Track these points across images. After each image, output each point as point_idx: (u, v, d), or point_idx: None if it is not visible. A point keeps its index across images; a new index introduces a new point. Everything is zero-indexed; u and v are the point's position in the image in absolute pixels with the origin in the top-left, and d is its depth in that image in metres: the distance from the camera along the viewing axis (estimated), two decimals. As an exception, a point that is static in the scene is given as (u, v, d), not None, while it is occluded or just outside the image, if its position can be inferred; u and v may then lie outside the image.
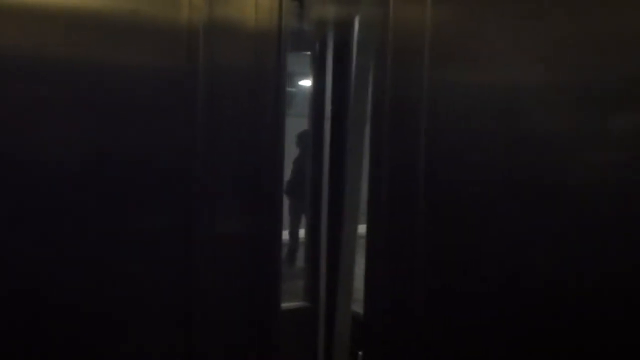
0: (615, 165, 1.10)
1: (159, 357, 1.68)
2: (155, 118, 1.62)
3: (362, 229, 1.85)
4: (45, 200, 1.50)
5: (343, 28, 2.10)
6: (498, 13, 1.33)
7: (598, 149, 1.13)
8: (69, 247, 1.53)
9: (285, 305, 2.06)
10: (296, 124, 2.68)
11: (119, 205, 1.58)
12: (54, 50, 1.50)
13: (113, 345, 1.62)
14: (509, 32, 1.29)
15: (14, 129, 1.46)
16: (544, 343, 1.21)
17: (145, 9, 1.60)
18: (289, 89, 1.88)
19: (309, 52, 2.22)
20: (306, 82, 2.33)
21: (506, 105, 1.29)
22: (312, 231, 2.28)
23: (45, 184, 1.50)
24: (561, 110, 1.18)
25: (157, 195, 1.64)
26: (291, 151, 1.99)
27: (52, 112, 1.49)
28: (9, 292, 1.48)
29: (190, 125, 1.65)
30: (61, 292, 1.54)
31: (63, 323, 1.55)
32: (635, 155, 1.07)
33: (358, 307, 2.01)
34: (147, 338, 1.66)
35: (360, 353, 1.73)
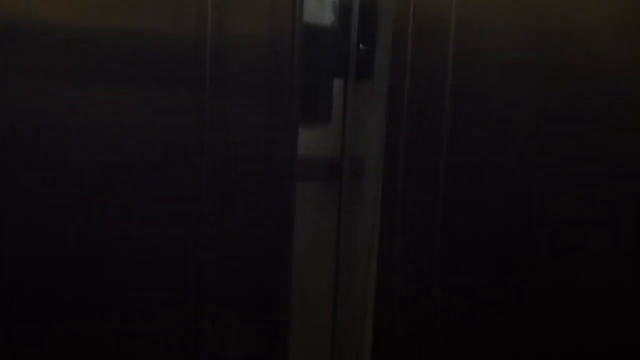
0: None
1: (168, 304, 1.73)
2: (161, 88, 1.60)
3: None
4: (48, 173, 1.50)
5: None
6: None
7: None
8: (80, 223, 1.51)
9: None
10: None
11: (126, 179, 1.58)
12: (55, 16, 1.47)
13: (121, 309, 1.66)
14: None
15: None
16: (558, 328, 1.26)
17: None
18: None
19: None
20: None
21: (537, 75, 1.30)
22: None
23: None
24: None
25: (165, 166, 1.63)
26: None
27: (55, 79, 1.47)
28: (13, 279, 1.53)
29: (198, 96, 1.63)
30: (72, 267, 1.57)
31: (69, 300, 1.57)
32: None
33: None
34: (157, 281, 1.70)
35: None
